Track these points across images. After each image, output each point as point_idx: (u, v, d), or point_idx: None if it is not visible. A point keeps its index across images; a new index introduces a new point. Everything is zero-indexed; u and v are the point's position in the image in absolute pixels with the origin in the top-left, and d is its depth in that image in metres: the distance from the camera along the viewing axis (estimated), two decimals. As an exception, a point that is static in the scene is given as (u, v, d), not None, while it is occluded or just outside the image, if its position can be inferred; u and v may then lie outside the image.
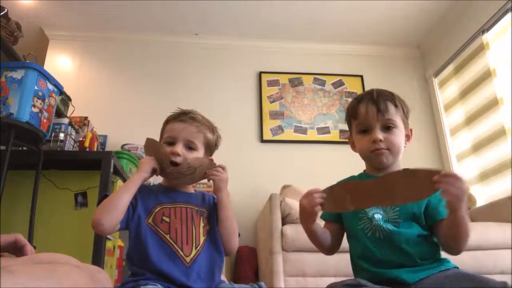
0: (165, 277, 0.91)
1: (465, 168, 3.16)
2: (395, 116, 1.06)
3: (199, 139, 1.08)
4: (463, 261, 1.36)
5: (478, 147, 3.02)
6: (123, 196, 0.97)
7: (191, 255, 0.96)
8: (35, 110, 1.73)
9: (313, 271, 2.11)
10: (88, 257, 1.72)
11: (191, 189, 1.13)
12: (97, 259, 1.74)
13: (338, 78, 3.71)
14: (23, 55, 2.04)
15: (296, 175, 3.17)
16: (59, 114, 2.29)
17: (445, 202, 0.90)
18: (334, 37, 3.72)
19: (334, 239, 1.09)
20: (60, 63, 3.50)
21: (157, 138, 1.13)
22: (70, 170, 2.09)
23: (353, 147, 1.14)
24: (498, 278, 0.87)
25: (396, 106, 1.07)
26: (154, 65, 3.58)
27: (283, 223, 2.25)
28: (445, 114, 3.51)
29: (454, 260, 0.99)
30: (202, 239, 1.00)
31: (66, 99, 2.47)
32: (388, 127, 1.05)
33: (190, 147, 1.07)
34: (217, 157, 1.15)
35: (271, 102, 3.56)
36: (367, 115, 1.06)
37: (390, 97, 1.08)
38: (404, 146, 1.08)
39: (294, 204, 2.32)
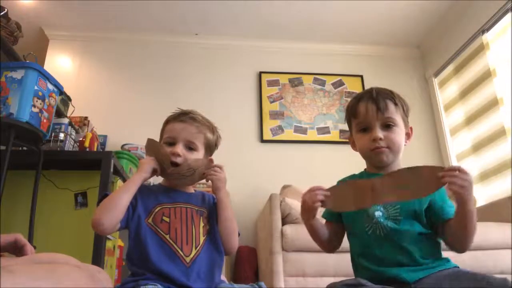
0: (165, 277, 0.91)
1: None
2: (395, 114, 1.06)
3: (199, 139, 1.08)
4: (463, 261, 1.36)
5: (478, 147, 3.02)
6: (123, 195, 0.97)
7: (191, 255, 0.96)
8: (35, 110, 1.73)
9: (313, 271, 2.11)
10: (88, 257, 1.72)
11: (191, 189, 1.13)
12: (97, 259, 1.74)
13: (338, 78, 3.71)
14: (23, 55, 2.04)
15: (296, 175, 3.17)
16: (59, 114, 2.29)
17: (449, 202, 0.92)
18: (334, 37, 3.72)
19: (335, 238, 1.10)
20: (60, 63, 3.50)
21: (157, 138, 1.13)
22: (70, 170, 2.09)
23: (354, 146, 1.14)
24: (497, 277, 0.87)
25: (395, 104, 1.06)
26: (154, 65, 3.58)
27: (283, 223, 2.25)
28: (445, 114, 3.51)
29: (454, 260, 0.99)
30: (202, 239, 1.00)
31: (66, 99, 2.47)
32: (388, 126, 1.05)
33: (190, 147, 1.06)
34: (217, 157, 1.15)
35: (271, 102, 3.56)
36: (366, 113, 1.06)
37: (389, 95, 1.08)
38: (405, 144, 1.08)
39: (294, 204, 2.32)
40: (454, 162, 3.32)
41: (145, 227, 0.98)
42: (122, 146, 2.92)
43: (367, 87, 3.56)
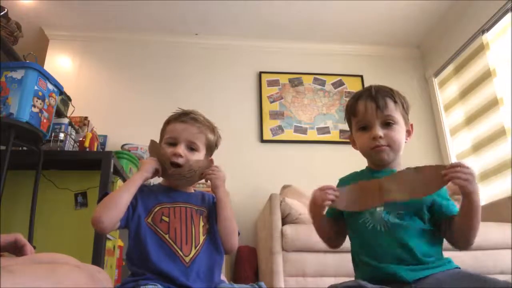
0: (165, 277, 0.91)
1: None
2: (395, 112, 1.05)
3: (201, 139, 1.08)
4: (463, 261, 1.36)
5: (478, 147, 3.02)
6: (123, 194, 0.97)
7: (191, 255, 0.96)
8: (35, 110, 1.73)
9: (313, 271, 2.11)
10: (88, 257, 1.72)
11: (190, 188, 1.13)
12: (97, 259, 1.74)
13: (338, 78, 3.71)
14: (23, 55, 2.04)
15: (296, 175, 3.17)
16: (59, 114, 2.29)
17: (452, 201, 0.93)
18: (334, 37, 3.72)
19: (338, 234, 1.11)
20: (60, 63, 3.50)
21: (157, 139, 1.14)
22: (70, 170, 2.09)
23: (354, 145, 1.14)
24: (498, 278, 0.87)
25: (395, 102, 1.06)
26: (154, 65, 3.58)
27: (283, 223, 2.25)
28: (445, 114, 3.51)
29: (454, 260, 0.99)
30: (201, 238, 1.00)
31: (66, 99, 2.47)
32: (388, 124, 1.04)
33: (191, 147, 1.07)
34: (217, 157, 1.15)
35: (271, 102, 3.56)
36: (366, 112, 1.06)
37: (389, 93, 1.07)
38: (405, 142, 1.08)
39: (294, 204, 2.32)
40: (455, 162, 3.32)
41: (145, 226, 0.98)
42: (122, 146, 2.92)
43: (367, 87, 3.57)
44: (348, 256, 1.09)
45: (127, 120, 3.32)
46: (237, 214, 1.14)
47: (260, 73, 3.64)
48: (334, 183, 1.06)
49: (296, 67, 3.71)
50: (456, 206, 0.99)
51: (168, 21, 3.50)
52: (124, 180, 2.15)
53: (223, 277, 1.03)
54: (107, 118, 3.24)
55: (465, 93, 3.19)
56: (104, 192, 1.01)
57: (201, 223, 1.02)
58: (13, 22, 2.12)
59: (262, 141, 3.40)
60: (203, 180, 1.09)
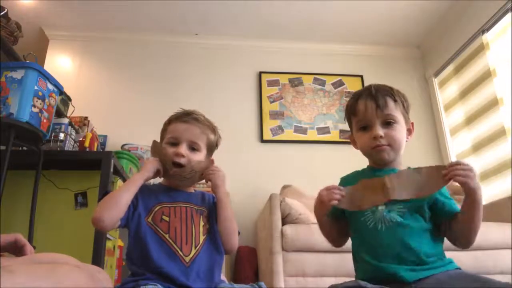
0: (165, 277, 0.91)
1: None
2: (395, 111, 1.05)
3: (202, 140, 1.09)
4: (463, 261, 1.36)
5: (478, 147, 3.02)
6: (124, 194, 0.97)
7: (191, 255, 0.96)
8: (35, 110, 1.73)
9: (313, 271, 2.11)
10: (88, 257, 1.72)
11: (191, 188, 1.13)
12: (97, 259, 1.74)
13: (338, 78, 3.71)
14: (23, 55, 2.04)
15: (296, 175, 3.17)
16: (59, 114, 2.29)
17: (453, 200, 0.94)
18: (334, 37, 3.72)
19: (341, 233, 1.11)
20: (60, 63, 3.50)
21: (158, 138, 1.14)
22: (70, 170, 2.09)
23: (355, 145, 1.14)
24: (498, 278, 0.88)
25: (395, 101, 1.06)
26: (154, 65, 3.58)
27: (283, 223, 2.25)
28: (445, 114, 3.51)
29: (454, 260, 0.99)
30: (202, 238, 1.00)
31: (66, 99, 2.47)
32: (388, 123, 1.04)
33: (193, 148, 1.07)
34: (217, 157, 1.15)
35: (271, 102, 3.56)
36: (366, 111, 1.05)
37: (389, 92, 1.07)
38: (406, 140, 1.08)
39: (294, 204, 2.32)
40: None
41: (145, 226, 0.98)
42: (122, 146, 2.92)
43: (367, 87, 3.57)
44: (348, 256, 1.09)
45: (127, 120, 3.32)
46: (237, 214, 1.14)
47: (260, 73, 3.64)
48: (334, 183, 1.06)
49: (296, 67, 3.71)
50: (457, 205, 0.99)
51: (168, 21, 3.50)
52: (124, 180, 2.15)
53: (223, 277, 1.03)
54: (107, 118, 3.24)
55: (465, 93, 3.19)
56: (105, 191, 1.01)
57: (201, 223, 1.02)
58: (13, 22, 2.12)
59: (262, 141, 3.40)
60: (203, 180, 1.09)
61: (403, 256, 0.94)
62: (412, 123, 1.11)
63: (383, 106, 1.04)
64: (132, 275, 0.95)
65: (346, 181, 1.10)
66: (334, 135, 3.48)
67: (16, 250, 0.91)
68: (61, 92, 1.96)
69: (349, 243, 1.11)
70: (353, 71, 3.73)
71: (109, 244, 1.97)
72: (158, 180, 1.14)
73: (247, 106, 3.53)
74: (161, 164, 1.05)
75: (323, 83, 3.68)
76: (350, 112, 1.11)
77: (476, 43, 3.08)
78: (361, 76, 3.71)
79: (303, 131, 3.48)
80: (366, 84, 3.62)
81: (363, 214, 1.01)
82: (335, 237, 1.11)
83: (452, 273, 0.92)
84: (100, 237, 1.79)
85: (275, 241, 2.17)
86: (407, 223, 0.96)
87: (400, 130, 1.05)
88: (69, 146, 2.17)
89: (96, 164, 1.94)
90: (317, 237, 2.08)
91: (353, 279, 0.96)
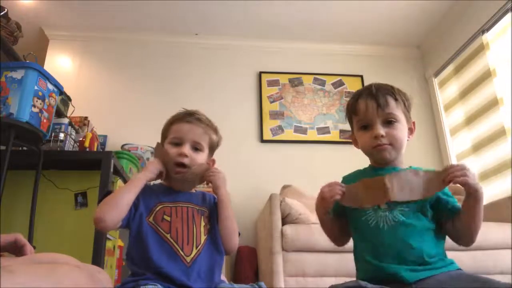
0: (165, 277, 0.91)
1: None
2: (396, 110, 1.05)
3: (205, 140, 1.09)
4: (463, 261, 1.36)
5: (478, 147, 3.02)
6: (126, 195, 0.97)
7: (192, 255, 0.96)
8: (35, 110, 1.73)
9: (313, 271, 2.11)
10: (88, 257, 1.72)
11: (191, 188, 1.13)
12: (97, 259, 1.74)
13: (338, 78, 3.71)
14: (23, 55, 2.04)
15: (296, 175, 3.17)
16: (59, 114, 2.29)
17: (455, 199, 0.95)
18: (334, 37, 3.72)
19: (343, 232, 1.11)
20: (60, 63, 3.50)
21: (158, 138, 1.14)
22: (70, 170, 2.09)
23: (356, 144, 1.13)
24: (498, 278, 0.88)
25: (396, 99, 1.06)
26: (154, 65, 3.58)
27: (283, 223, 2.25)
28: (445, 114, 3.51)
29: (454, 260, 0.99)
30: (203, 238, 1.00)
31: (66, 99, 2.47)
32: (389, 122, 1.04)
33: (196, 148, 1.07)
34: (217, 157, 1.15)
35: (271, 102, 3.56)
36: (367, 110, 1.05)
37: (389, 91, 1.07)
38: (408, 139, 1.07)
39: (294, 204, 2.32)
40: (454, 162, 3.32)
41: (146, 225, 0.98)
42: (122, 146, 2.92)
43: (367, 87, 3.57)
44: (349, 256, 1.09)
45: (127, 120, 3.32)
46: (237, 214, 1.14)
47: (260, 73, 3.64)
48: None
49: (296, 67, 3.71)
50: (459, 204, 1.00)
51: (168, 21, 3.50)
52: (124, 180, 2.15)
53: (223, 277, 1.03)
54: (107, 118, 3.24)
55: (465, 93, 3.20)
56: (106, 191, 1.01)
57: (203, 223, 1.02)
58: (13, 22, 2.12)
59: (262, 141, 3.40)
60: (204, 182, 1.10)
61: (404, 256, 0.94)
62: (414, 122, 1.11)
63: (384, 105, 1.03)
64: (132, 275, 0.95)
65: (348, 180, 1.10)
66: (334, 135, 3.48)
67: (16, 250, 0.91)
68: (61, 92, 1.96)
69: (350, 243, 1.11)
70: (353, 71, 3.73)
71: (109, 244, 1.97)
72: (159, 180, 1.14)
73: (247, 106, 3.53)
74: (164, 166, 1.05)
75: (323, 83, 3.68)
76: (351, 111, 1.11)
77: (476, 43, 3.08)
78: (361, 76, 3.71)
79: (303, 131, 3.48)
80: (366, 84, 3.63)
81: (365, 213, 1.01)
82: (337, 236, 1.11)
83: (453, 274, 0.92)
84: (100, 237, 1.79)
85: (275, 241, 2.17)
86: (409, 222, 0.96)
87: (401, 129, 1.04)
88: (69, 146, 2.17)
89: (96, 164, 1.94)
90: (317, 237, 2.08)
91: (354, 279, 0.96)
